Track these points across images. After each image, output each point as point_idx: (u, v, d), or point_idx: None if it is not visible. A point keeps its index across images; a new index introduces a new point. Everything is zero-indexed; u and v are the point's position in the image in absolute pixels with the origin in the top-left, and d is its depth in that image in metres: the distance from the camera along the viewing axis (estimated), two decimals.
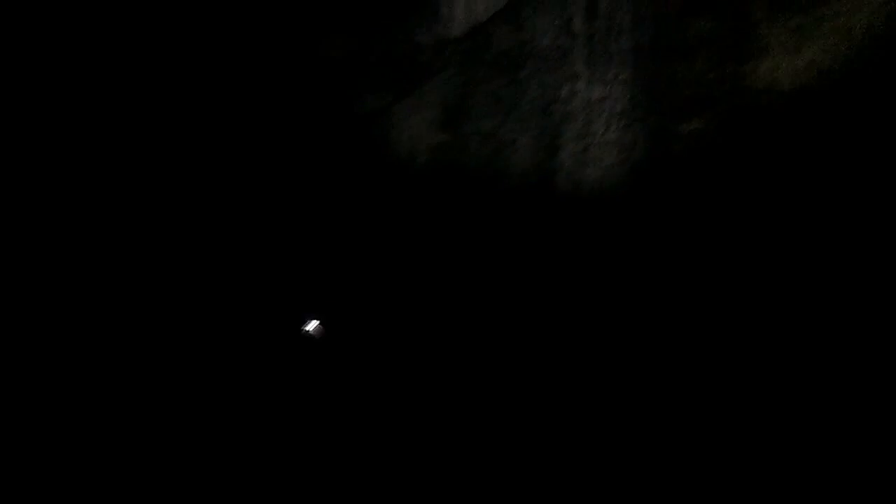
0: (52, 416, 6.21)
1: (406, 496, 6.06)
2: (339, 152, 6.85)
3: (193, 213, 6.83)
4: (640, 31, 5.79)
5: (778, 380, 5.28)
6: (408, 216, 6.65)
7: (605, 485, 5.65)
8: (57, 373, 6.31)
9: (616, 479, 5.63)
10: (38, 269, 6.50)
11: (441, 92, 6.53)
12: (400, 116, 6.68)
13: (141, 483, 6.08)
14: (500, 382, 6.07)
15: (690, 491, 5.38)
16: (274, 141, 6.94)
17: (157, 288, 6.64)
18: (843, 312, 5.12)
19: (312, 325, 6.38)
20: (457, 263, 6.44)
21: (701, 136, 5.79)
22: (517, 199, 6.35)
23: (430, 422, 6.15)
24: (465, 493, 5.94)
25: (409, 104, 6.63)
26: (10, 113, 6.56)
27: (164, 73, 6.99)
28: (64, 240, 6.57)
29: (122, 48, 6.91)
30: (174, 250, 6.74)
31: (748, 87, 5.60)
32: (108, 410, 6.23)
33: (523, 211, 6.31)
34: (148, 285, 6.64)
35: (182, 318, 6.56)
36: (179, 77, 7.00)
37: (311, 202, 6.86)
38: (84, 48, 6.83)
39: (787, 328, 5.29)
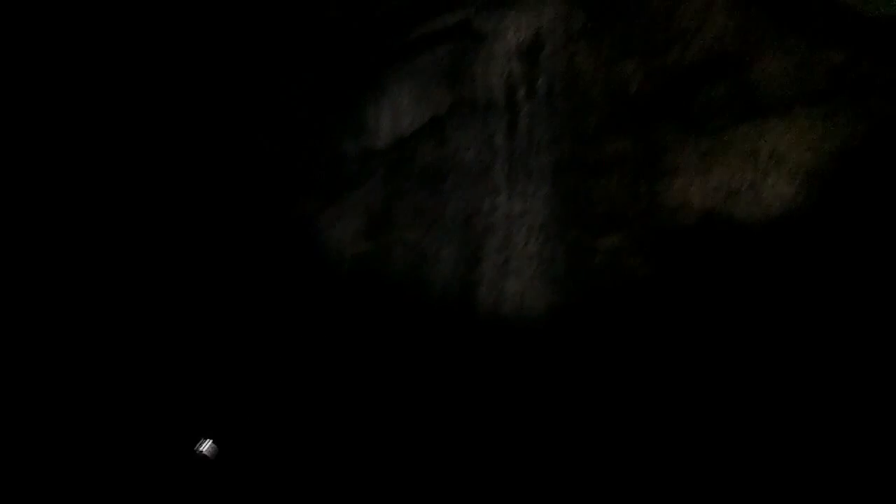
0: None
1: None
2: (271, 254, 6.88)
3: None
4: (558, 148, 5.97)
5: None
6: (329, 325, 6.59)
7: None
8: None
9: None
10: None
11: (366, 201, 6.64)
12: (328, 222, 6.76)
13: None
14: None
15: None
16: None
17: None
18: None
19: (206, 446, 6.10)
20: (374, 380, 6.33)
21: (618, 252, 5.85)
22: (439, 310, 6.32)
23: None
24: None
25: (335, 211, 6.72)
26: None
27: None
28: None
29: None
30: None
31: (661, 206, 5.72)
32: None
33: (445, 322, 6.27)
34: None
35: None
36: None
37: (229, 305, 6.81)
38: None
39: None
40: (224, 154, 6.95)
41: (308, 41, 6.99)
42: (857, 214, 5.09)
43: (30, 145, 6.73)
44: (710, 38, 5.47)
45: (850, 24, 5.25)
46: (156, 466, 5.80)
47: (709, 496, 4.96)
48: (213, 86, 6.93)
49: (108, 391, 6.28)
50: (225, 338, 6.66)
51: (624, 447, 5.38)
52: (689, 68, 5.52)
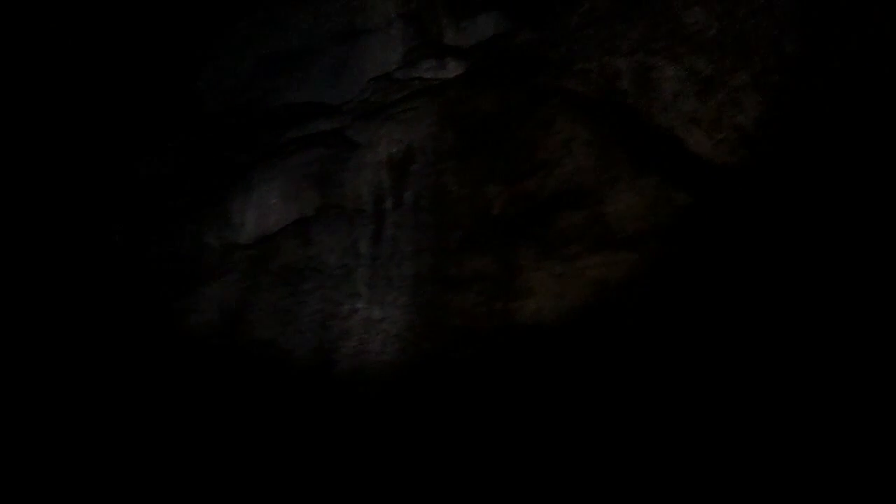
0: None
1: None
2: (119, 342, 6.59)
3: None
4: (421, 260, 6.04)
5: None
6: (175, 422, 6.31)
7: None
8: None
9: None
10: None
11: (222, 295, 6.50)
12: (180, 314, 6.56)
13: None
14: None
15: None
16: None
17: None
18: None
19: None
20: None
21: (471, 365, 5.86)
22: (292, 407, 6.15)
23: None
24: None
25: (190, 303, 6.54)
26: None
27: None
28: None
29: None
30: None
31: (514, 324, 5.80)
32: None
33: (295, 419, 6.10)
34: None
35: None
36: None
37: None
38: None
39: None
40: (75, 238, 6.73)
41: (179, 129, 6.95)
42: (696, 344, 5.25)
43: None
44: (571, 170, 5.72)
45: (697, 170, 5.56)
46: None
47: None
48: (67, 161, 6.76)
49: None
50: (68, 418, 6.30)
51: None
52: (550, 196, 5.73)
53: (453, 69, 6.89)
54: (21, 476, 5.91)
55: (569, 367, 5.57)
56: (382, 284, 6.12)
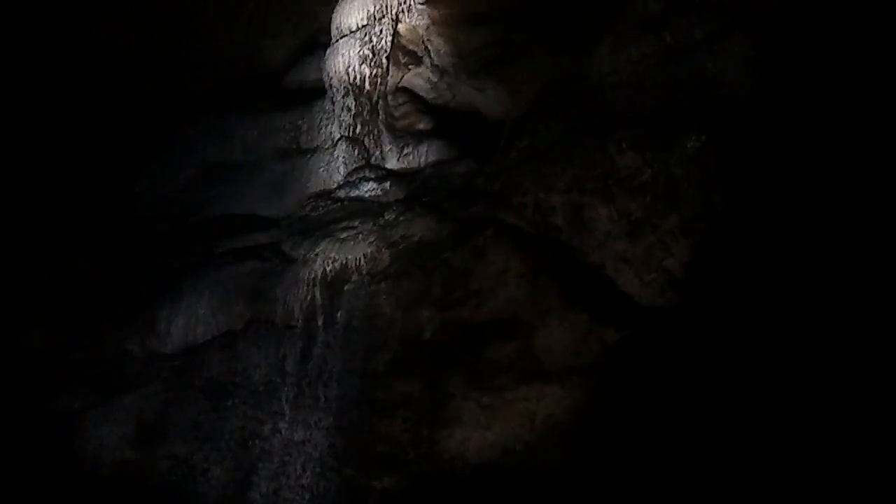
0: None
1: None
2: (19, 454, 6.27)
3: None
4: (348, 382, 5.98)
5: None
6: None
7: None
8: None
9: None
10: None
11: (140, 406, 6.29)
12: (91, 423, 6.30)
13: None
14: None
15: None
16: None
17: None
18: None
19: None
20: None
21: (392, 495, 5.74)
22: None
23: None
24: None
25: (104, 413, 6.30)
26: None
27: None
28: None
29: None
30: None
31: (439, 453, 5.74)
32: None
33: None
34: None
35: None
36: None
37: None
38: None
39: None
40: None
41: (110, 232, 6.88)
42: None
43: None
44: (503, 301, 5.80)
45: (627, 308, 5.69)
46: None
47: None
48: None
49: None
50: None
51: None
52: (481, 326, 5.77)
53: (393, 193, 7.03)
54: None
55: None
56: (308, 405, 6.02)
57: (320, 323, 6.14)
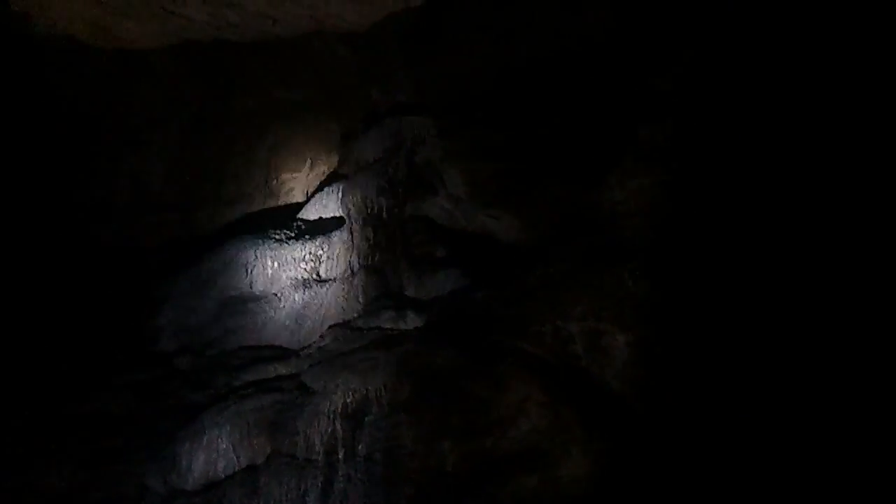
0: None
1: None
2: None
3: None
4: None
5: None
6: None
7: None
8: None
9: None
10: None
11: None
12: None
13: None
14: None
15: None
16: None
17: None
18: None
19: None
20: None
21: None
22: None
23: None
24: None
25: None
26: None
27: None
28: None
29: None
30: None
31: None
32: None
33: None
34: None
35: None
36: None
37: None
38: None
39: None
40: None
41: (131, 366, 6.95)
42: None
43: None
44: (525, 431, 5.78)
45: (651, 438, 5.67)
46: None
47: None
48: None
49: None
50: None
51: None
52: (503, 457, 5.73)
53: (412, 321, 7.09)
54: None
55: None
56: None
57: (341, 456, 6.10)
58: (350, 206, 8.42)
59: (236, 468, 6.42)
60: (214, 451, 6.46)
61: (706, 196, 6.27)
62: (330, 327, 7.51)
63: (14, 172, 9.31)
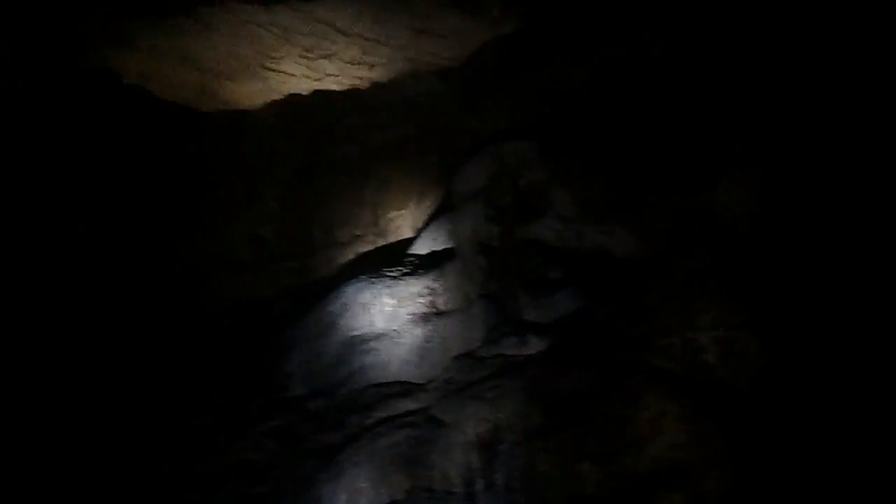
0: None
1: None
2: None
3: None
4: None
5: None
6: None
7: None
8: None
9: None
10: None
11: None
12: None
13: None
14: None
15: None
16: None
17: None
18: None
19: None
20: None
21: None
22: None
23: None
24: None
25: None
26: None
27: None
28: None
29: None
30: None
31: None
32: None
33: None
34: None
35: None
36: None
37: None
38: None
39: None
40: None
41: (268, 414, 7.15)
42: None
43: None
44: (664, 447, 5.64)
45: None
46: None
47: None
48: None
49: None
50: None
51: None
52: (644, 476, 5.61)
53: (535, 346, 7.06)
54: None
55: None
56: None
57: (480, 486, 6.09)
58: (460, 236, 8.48)
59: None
60: (355, 491, 6.55)
61: (825, 196, 6.05)
62: (453, 359, 7.53)
63: (139, 234, 9.82)
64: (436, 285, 8.40)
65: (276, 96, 10.08)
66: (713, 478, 5.46)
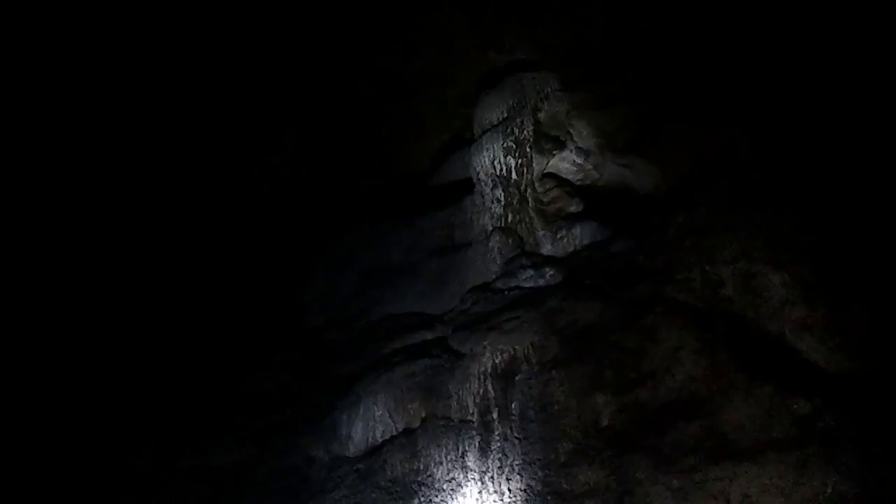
0: None
1: None
2: None
3: None
4: (530, 473, 5.92)
5: None
6: None
7: None
8: None
9: None
10: None
11: None
12: None
13: None
14: None
15: None
16: None
17: None
18: None
19: None
20: None
21: None
22: None
23: None
24: None
25: None
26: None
27: None
28: None
29: None
30: None
31: None
32: None
33: None
34: None
35: None
36: None
37: None
38: None
39: None
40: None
41: (282, 345, 7.20)
42: None
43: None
44: (680, 380, 5.64)
45: (813, 377, 5.43)
46: None
47: None
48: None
49: None
50: None
51: None
52: (660, 407, 5.62)
53: (552, 278, 7.05)
54: None
55: None
56: (493, 500, 5.98)
57: (495, 416, 6.14)
58: (478, 169, 8.40)
59: (394, 433, 6.58)
60: (371, 419, 6.65)
61: (847, 136, 5.92)
62: (470, 290, 7.53)
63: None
64: (453, 218, 8.37)
65: None
66: (730, 410, 5.45)
